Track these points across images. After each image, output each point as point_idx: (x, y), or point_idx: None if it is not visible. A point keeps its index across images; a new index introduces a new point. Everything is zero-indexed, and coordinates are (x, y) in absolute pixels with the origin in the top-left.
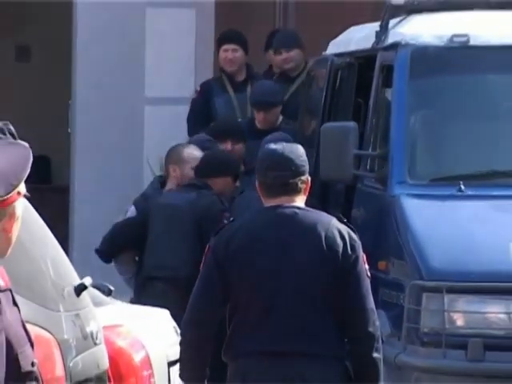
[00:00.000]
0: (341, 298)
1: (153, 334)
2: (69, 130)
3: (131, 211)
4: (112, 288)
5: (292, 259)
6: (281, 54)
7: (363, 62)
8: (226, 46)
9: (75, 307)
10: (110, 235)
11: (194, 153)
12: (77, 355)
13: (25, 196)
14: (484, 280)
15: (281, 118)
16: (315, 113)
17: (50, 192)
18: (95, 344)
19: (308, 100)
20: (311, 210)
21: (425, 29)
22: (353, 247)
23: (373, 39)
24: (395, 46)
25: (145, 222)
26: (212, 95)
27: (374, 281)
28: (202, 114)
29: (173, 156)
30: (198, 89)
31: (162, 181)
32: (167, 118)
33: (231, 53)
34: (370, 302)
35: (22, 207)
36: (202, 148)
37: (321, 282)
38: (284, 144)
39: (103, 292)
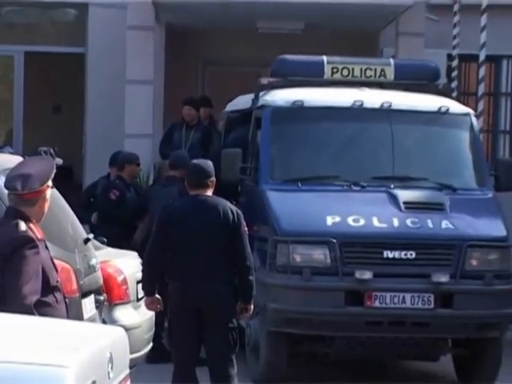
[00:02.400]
0: (232, 247)
1: (127, 265)
2: (82, 152)
3: None
4: (105, 240)
5: (205, 225)
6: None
7: (246, 115)
8: (185, 107)
9: (84, 250)
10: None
11: None
12: (84, 277)
13: (52, 187)
14: (311, 235)
15: None
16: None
17: (72, 188)
18: (95, 271)
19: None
20: (216, 197)
21: (279, 97)
22: (238, 218)
23: (250, 103)
24: (263, 106)
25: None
26: (174, 130)
27: (252, 237)
28: (168, 141)
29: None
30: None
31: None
32: (138, 146)
33: (188, 111)
34: (248, 249)
35: (51, 194)
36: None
37: (220, 238)
38: (201, 160)
39: (100, 242)
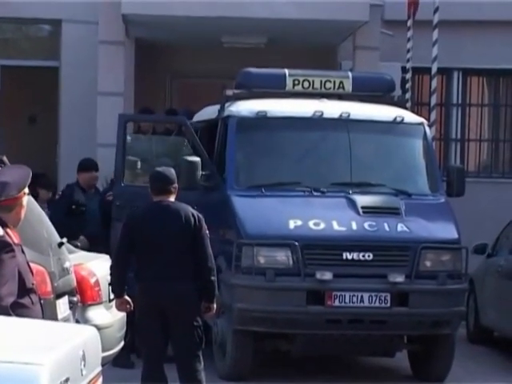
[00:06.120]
0: (194, 248)
1: (100, 267)
2: (56, 160)
3: None
4: (78, 244)
5: (168, 228)
6: None
7: (212, 125)
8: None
9: (58, 254)
10: None
11: None
12: (59, 279)
13: (28, 194)
14: (274, 238)
15: None
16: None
17: None
18: (68, 273)
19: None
20: (178, 202)
21: (243, 108)
22: (199, 221)
23: (217, 113)
24: (229, 116)
25: None
26: None
27: (217, 241)
28: None
29: None
30: None
31: None
32: (110, 154)
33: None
34: (209, 250)
35: (27, 200)
36: None
37: (183, 240)
38: (164, 168)
39: (74, 246)
